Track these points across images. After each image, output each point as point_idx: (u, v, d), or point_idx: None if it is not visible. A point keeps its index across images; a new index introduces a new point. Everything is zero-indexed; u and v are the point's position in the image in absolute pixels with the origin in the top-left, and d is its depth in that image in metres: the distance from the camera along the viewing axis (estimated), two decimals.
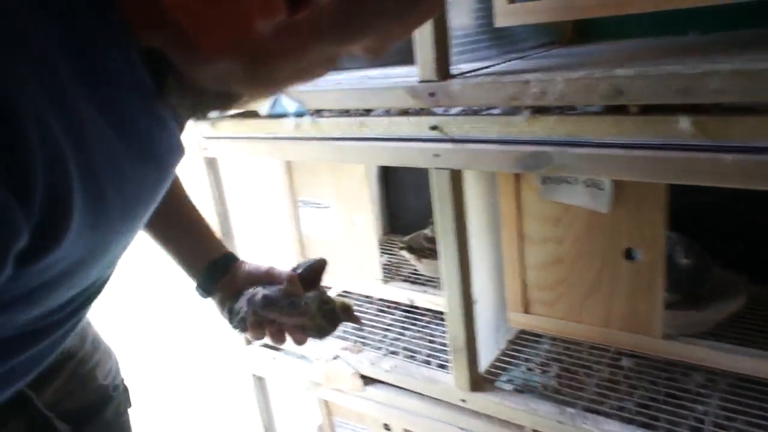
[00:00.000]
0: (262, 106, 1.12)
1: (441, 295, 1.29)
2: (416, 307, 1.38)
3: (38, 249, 0.42)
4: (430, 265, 1.50)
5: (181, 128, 0.59)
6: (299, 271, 0.82)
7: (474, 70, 0.98)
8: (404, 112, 0.98)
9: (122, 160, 0.47)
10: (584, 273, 1.07)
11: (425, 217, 1.69)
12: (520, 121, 0.86)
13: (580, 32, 1.29)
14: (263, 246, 1.55)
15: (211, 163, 1.31)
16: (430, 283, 1.47)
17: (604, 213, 0.99)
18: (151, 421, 1.85)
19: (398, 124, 0.98)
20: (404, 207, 1.83)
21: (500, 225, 1.12)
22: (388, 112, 1.02)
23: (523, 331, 1.24)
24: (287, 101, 1.08)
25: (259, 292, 0.79)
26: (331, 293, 1.01)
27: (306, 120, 1.07)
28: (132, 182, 0.49)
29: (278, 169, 1.47)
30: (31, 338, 0.56)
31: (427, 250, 1.59)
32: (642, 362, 1.09)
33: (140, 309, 2.35)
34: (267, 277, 0.82)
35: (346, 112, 1.06)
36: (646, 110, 0.77)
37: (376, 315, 1.43)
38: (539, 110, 0.85)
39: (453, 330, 1.06)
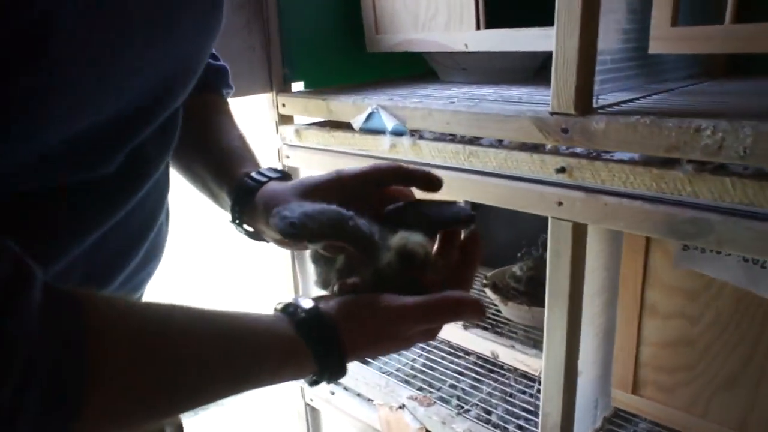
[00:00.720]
0: (357, 119, 0.98)
1: (530, 353, 1.12)
2: (499, 361, 1.21)
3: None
4: (516, 309, 1.32)
5: None
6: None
7: (617, 103, 0.81)
8: (525, 146, 0.82)
9: None
10: (721, 362, 0.87)
11: (514, 251, 1.52)
12: (680, 177, 0.68)
13: (735, 65, 1.09)
14: None
15: (292, 172, 1.18)
16: (515, 332, 1.30)
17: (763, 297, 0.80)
18: None
19: (516, 160, 0.81)
20: (491, 236, 1.66)
21: (618, 288, 0.94)
22: (500, 142, 0.86)
23: (621, 410, 1.06)
24: (385, 117, 0.93)
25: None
26: None
27: (405, 140, 0.93)
28: None
29: None
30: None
31: (512, 291, 1.42)
32: None
33: None
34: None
35: (452, 137, 0.90)
36: None
37: (451, 361, 1.27)
38: (706, 165, 0.67)
39: (548, 405, 0.89)
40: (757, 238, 0.64)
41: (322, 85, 1.20)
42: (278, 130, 1.15)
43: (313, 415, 1.40)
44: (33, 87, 0.36)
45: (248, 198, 0.62)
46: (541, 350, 1.13)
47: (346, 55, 1.23)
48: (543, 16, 1.21)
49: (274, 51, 1.12)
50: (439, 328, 0.55)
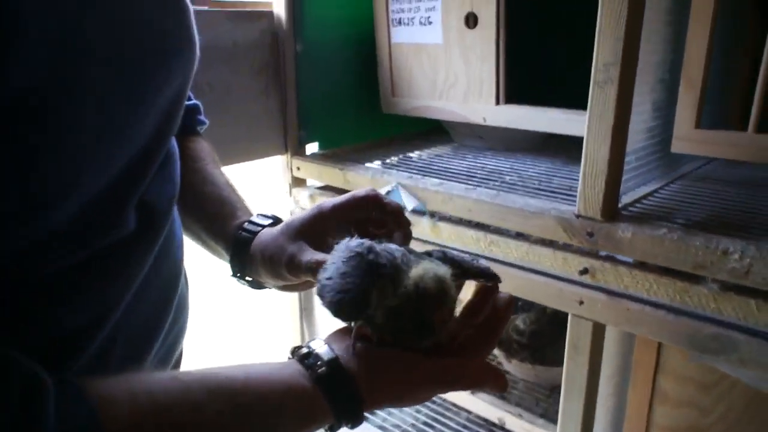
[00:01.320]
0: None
1: (537, 423, 1.13)
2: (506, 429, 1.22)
3: None
4: (520, 367, 1.33)
5: None
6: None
7: (639, 200, 0.82)
8: (547, 242, 0.82)
9: None
10: None
11: (516, 299, 1.53)
12: (705, 293, 0.69)
13: None
14: None
15: None
16: (519, 391, 1.31)
17: None
18: None
19: (539, 255, 0.82)
20: None
21: (630, 372, 0.95)
22: (521, 235, 0.86)
23: None
24: (405, 196, 0.94)
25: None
26: None
27: (426, 220, 0.93)
28: None
29: None
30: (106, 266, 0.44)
31: (516, 346, 1.43)
32: None
33: None
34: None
35: (475, 223, 0.90)
36: None
37: (452, 419, 1.28)
38: (731, 283, 0.68)
39: None
40: None
41: (335, 144, 1.20)
42: (291, 192, 1.15)
43: None
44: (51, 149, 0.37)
45: (245, 250, 0.62)
46: (547, 420, 1.14)
47: (361, 114, 1.24)
48: (563, 92, 1.23)
49: (291, 114, 1.12)
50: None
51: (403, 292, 0.47)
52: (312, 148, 1.18)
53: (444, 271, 0.48)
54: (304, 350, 0.48)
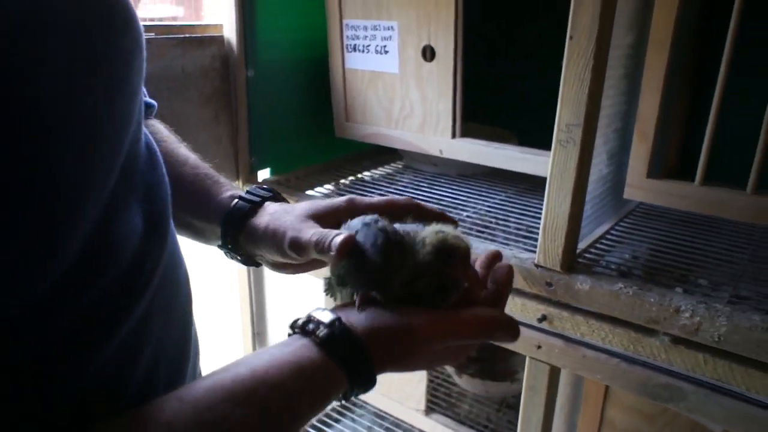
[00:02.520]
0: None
1: None
2: None
3: None
4: (471, 382, 1.37)
5: None
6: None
7: (594, 244, 0.85)
8: None
9: None
10: None
11: None
12: (657, 345, 0.73)
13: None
14: None
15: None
16: (474, 410, 1.35)
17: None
18: None
19: None
20: None
21: (581, 402, 1.00)
22: None
23: None
24: None
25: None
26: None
27: None
28: None
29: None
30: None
31: (466, 360, 1.46)
32: None
33: None
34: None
35: None
36: None
37: None
38: (683, 339, 0.72)
39: None
40: (725, 413, 0.70)
41: (288, 169, 1.18)
42: None
43: None
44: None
45: (243, 221, 0.59)
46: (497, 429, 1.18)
47: (314, 138, 1.22)
48: (517, 116, 1.24)
49: (242, 141, 1.09)
50: (472, 347, 0.53)
51: (423, 254, 0.48)
52: (264, 173, 1.15)
53: (451, 229, 0.49)
54: (303, 319, 0.47)
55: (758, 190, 0.79)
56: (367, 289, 0.49)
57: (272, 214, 0.58)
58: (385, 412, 1.34)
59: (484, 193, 1.10)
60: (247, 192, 0.61)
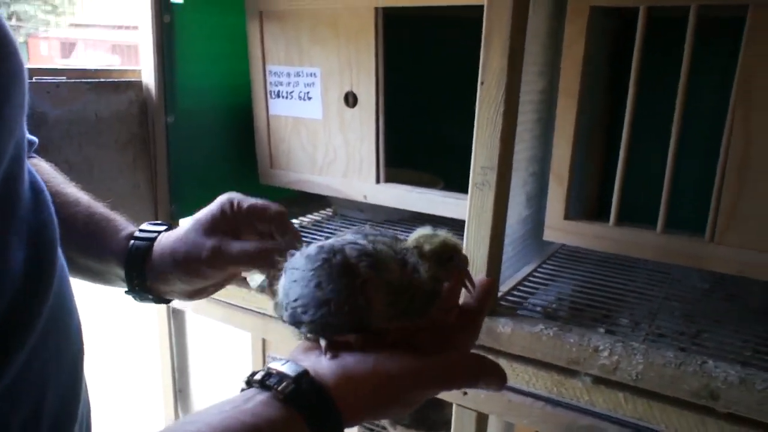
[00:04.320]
0: (254, 278, 0.94)
1: None
2: None
3: None
4: None
5: None
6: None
7: (517, 287, 0.85)
8: None
9: None
10: None
11: None
12: (579, 386, 0.73)
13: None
14: None
15: (177, 315, 1.11)
16: None
17: None
18: None
19: None
20: None
21: None
22: None
23: None
24: None
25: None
26: None
27: None
28: None
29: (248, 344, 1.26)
30: None
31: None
32: None
33: None
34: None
35: None
36: (739, 419, 0.65)
37: None
38: (604, 379, 0.72)
39: None
40: None
41: None
42: None
43: None
44: None
45: (143, 261, 0.58)
46: None
47: (239, 185, 1.18)
48: (443, 161, 1.26)
49: (162, 188, 1.05)
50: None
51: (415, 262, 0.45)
52: (186, 222, 1.11)
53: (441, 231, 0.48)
54: (261, 373, 0.42)
55: (666, 229, 0.82)
56: (335, 331, 0.45)
57: (172, 244, 0.58)
58: None
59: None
60: (140, 230, 0.60)
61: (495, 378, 0.46)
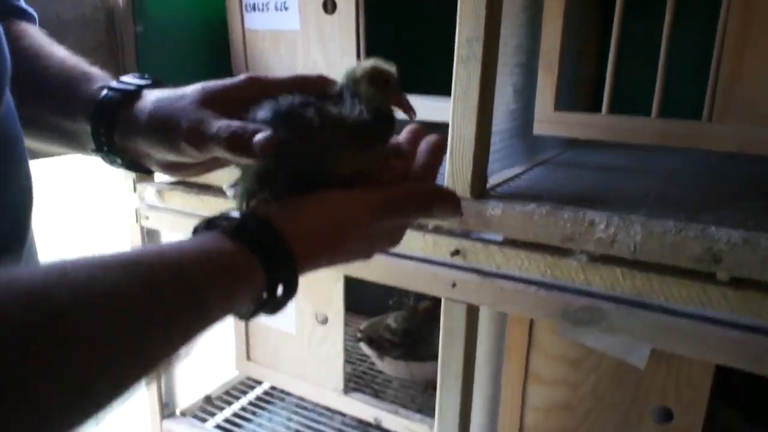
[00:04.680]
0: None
1: (414, 419, 1.10)
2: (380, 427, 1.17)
3: None
4: (393, 365, 1.31)
5: None
6: None
7: (506, 181, 0.81)
8: (418, 226, 0.79)
9: None
10: (598, 427, 0.91)
11: (385, 299, 1.49)
12: (574, 266, 0.69)
13: None
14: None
15: (152, 236, 1.06)
16: (393, 390, 1.28)
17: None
18: None
19: (408, 240, 0.79)
20: (359, 283, 1.63)
21: (503, 356, 0.95)
22: None
23: None
24: None
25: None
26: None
27: None
28: None
29: None
30: None
31: (388, 344, 1.40)
32: None
33: None
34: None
35: None
36: (742, 283, 0.62)
37: (326, 424, 1.22)
38: (598, 255, 0.69)
39: None
40: (646, 328, 0.67)
41: None
42: (136, 188, 1.03)
43: None
44: None
45: (115, 113, 0.49)
46: (424, 414, 1.12)
47: None
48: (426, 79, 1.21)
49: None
50: (406, 227, 0.47)
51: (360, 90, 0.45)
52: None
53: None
54: (208, 218, 0.40)
55: (661, 114, 0.78)
56: (296, 186, 0.42)
57: (156, 102, 0.48)
58: (303, 398, 1.25)
59: None
60: (119, 81, 0.51)
61: (449, 204, 0.45)
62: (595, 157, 1.03)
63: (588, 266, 0.68)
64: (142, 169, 0.54)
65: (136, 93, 0.50)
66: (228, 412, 1.28)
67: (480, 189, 0.73)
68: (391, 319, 1.43)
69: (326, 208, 0.41)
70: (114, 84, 0.51)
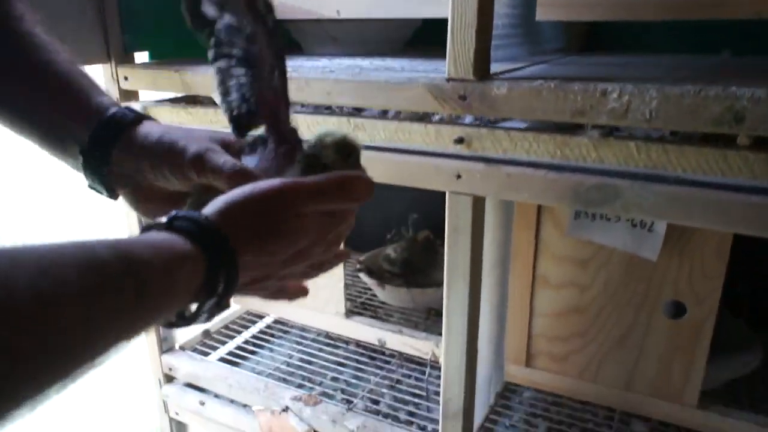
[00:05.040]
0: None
1: (419, 337, 1.08)
2: (384, 348, 1.15)
3: None
4: (395, 292, 1.28)
5: None
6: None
7: (507, 71, 0.77)
8: (417, 116, 0.75)
9: None
10: (610, 326, 0.89)
11: (383, 232, 1.47)
12: (585, 143, 0.66)
13: (593, 41, 1.12)
14: None
15: None
16: (393, 314, 1.26)
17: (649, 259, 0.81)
18: None
19: (409, 132, 0.75)
20: (358, 217, 1.60)
21: (510, 261, 0.92)
22: (385, 113, 0.79)
23: (512, 384, 1.05)
24: None
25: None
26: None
27: None
28: None
29: None
30: None
31: (387, 274, 1.37)
32: (659, 428, 0.93)
33: None
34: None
35: (327, 108, 0.82)
36: (765, 145, 0.59)
37: (330, 353, 1.20)
38: (610, 130, 0.66)
39: (449, 390, 0.85)
40: (662, 202, 0.63)
41: (171, 55, 1.05)
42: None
43: (179, 430, 1.25)
44: None
45: (124, 129, 0.52)
46: (429, 333, 1.09)
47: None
48: None
49: (111, 15, 0.95)
50: (337, 219, 0.50)
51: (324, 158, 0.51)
52: (143, 56, 1.01)
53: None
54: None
55: None
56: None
57: (167, 127, 0.54)
58: (306, 328, 1.23)
59: (389, 61, 1.00)
60: (127, 108, 0.54)
61: (364, 186, 0.48)
62: (601, 59, 0.99)
63: (600, 142, 0.65)
64: (109, 189, 0.54)
65: (147, 118, 0.55)
66: (231, 345, 1.26)
67: (483, 69, 0.69)
68: (390, 250, 1.40)
69: (252, 196, 0.44)
70: (127, 105, 0.55)
